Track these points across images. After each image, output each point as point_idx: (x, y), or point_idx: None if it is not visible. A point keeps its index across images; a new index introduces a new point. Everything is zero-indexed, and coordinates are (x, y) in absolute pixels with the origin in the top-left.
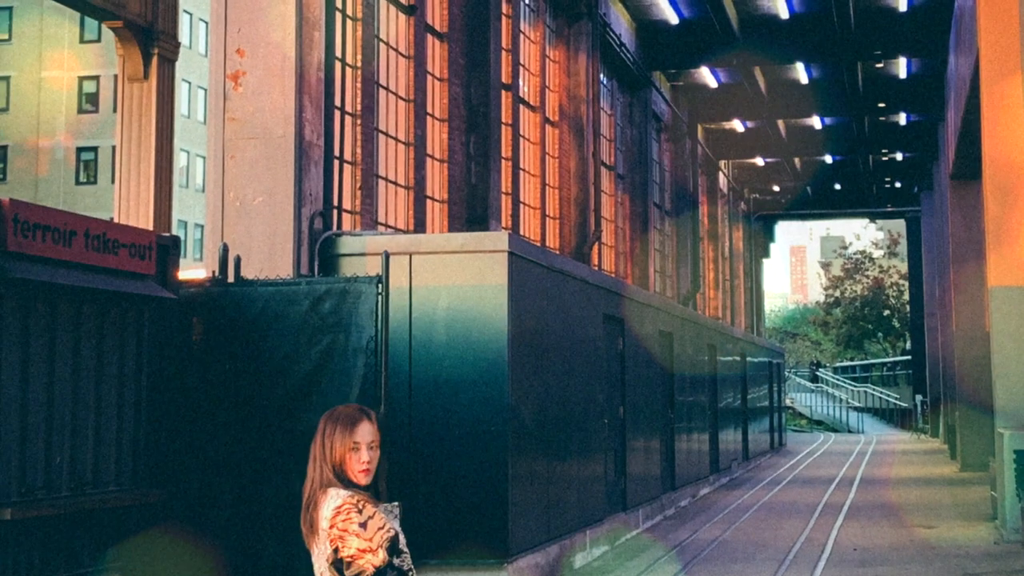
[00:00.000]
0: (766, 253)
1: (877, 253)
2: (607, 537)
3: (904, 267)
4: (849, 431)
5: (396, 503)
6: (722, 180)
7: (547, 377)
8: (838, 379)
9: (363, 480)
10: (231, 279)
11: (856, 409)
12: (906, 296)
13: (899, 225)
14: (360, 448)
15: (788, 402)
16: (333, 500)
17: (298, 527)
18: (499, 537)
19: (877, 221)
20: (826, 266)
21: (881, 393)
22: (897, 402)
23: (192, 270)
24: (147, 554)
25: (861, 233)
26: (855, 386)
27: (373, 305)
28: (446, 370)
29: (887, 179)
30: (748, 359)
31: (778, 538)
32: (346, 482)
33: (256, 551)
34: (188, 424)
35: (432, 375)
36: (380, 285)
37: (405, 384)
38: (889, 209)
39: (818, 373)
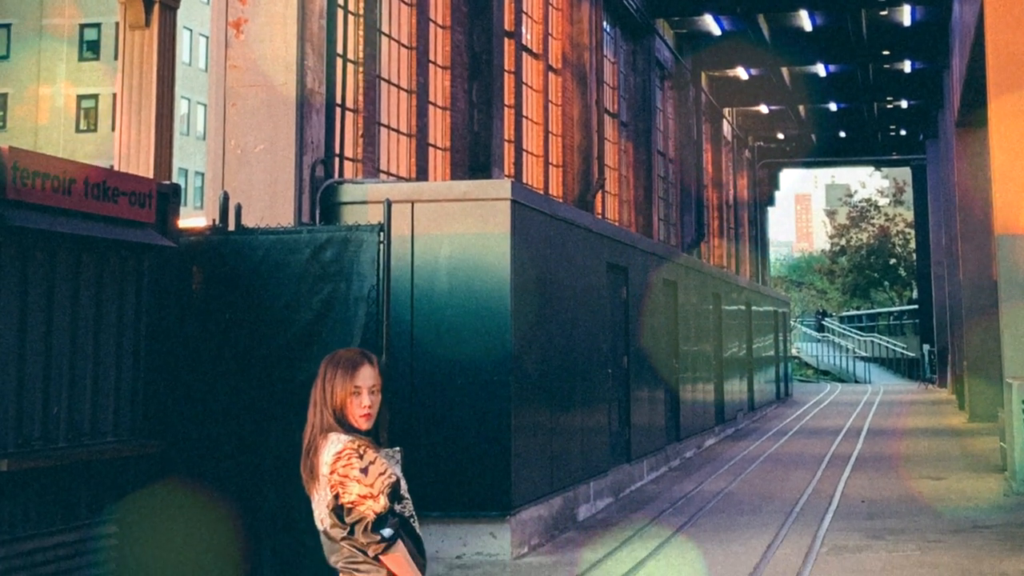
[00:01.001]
0: (771, 201)
1: (883, 201)
2: (611, 489)
3: (910, 215)
4: (856, 381)
5: (397, 448)
6: (726, 128)
7: (550, 326)
8: (844, 328)
9: (364, 425)
10: (232, 227)
11: (863, 359)
12: (912, 245)
13: (904, 173)
14: (361, 392)
15: (794, 352)
16: (334, 445)
17: (298, 478)
18: (501, 489)
19: (882, 169)
20: (831, 214)
21: (888, 343)
22: (904, 352)
23: (192, 218)
24: (146, 505)
25: (866, 181)
26: (862, 336)
27: (375, 254)
28: (448, 319)
29: (892, 127)
30: (753, 308)
31: (784, 490)
32: (347, 427)
33: (256, 502)
34: (188, 374)
35: (434, 324)
36: (382, 233)
37: (407, 333)
38: (894, 157)
39: (824, 322)
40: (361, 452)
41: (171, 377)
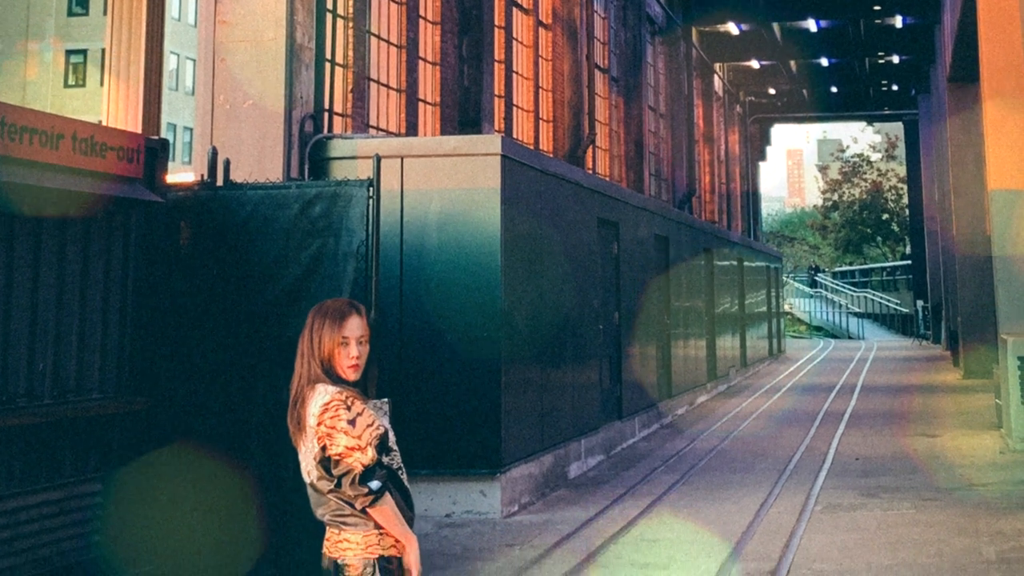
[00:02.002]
0: (762, 156)
1: (875, 156)
2: (602, 446)
3: (902, 170)
4: (849, 337)
5: (386, 399)
6: (717, 83)
7: (541, 282)
8: (837, 284)
9: (352, 376)
10: (220, 183)
11: (856, 315)
12: (905, 200)
13: (897, 128)
14: (349, 343)
15: (787, 308)
16: (321, 396)
17: (286, 435)
18: (491, 446)
19: (875, 124)
20: (823, 169)
21: (881, 298)
22: (898, 308)
23: (181, 174)
24: (131, 463)
25: (859, 136)
26: (855, 291)
27: (364, 209)
28: (437, 275)
29: (884, 82)
30: (745, 264)
31: (778, 447)
32: (335, 378)
33: (243, 459)
34: (174, 330)
35: (423, 280)
36: (371, 189)
37: (396, 289)
38: (886, 112)
39: (817, 278)
40: (349, 403)
41: (158, 333)
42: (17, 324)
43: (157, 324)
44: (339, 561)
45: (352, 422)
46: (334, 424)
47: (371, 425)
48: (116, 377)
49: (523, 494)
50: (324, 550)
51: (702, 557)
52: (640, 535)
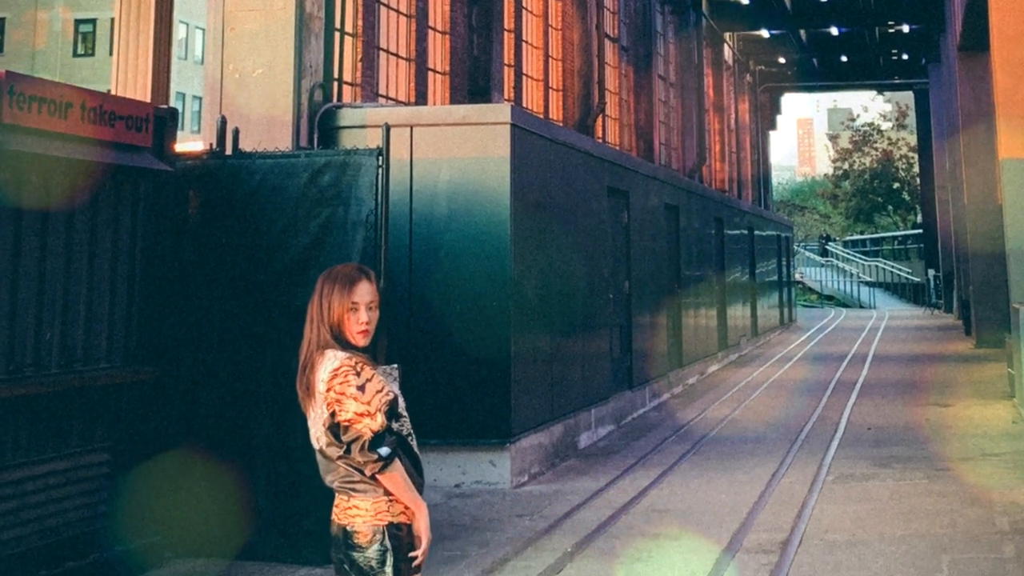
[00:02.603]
0: (772, 125)
1: (885, 125)
2: (613, 416)
3: (913, 139)
4: (861, 306)
5: (395, 365)
6: (727, 52)
7: (550, 251)
8: (848, 253)
9: (361, 341)
10: (229, 152)
11: (867, 284)
12: (916, 169)
13: (907, 97)
14: (359, 308)
15: (798, 277)
16: (330, 362)
17: (294, 405)
18: (501, 416)
19: (885, 93)
20: (834, 138)
21: (893, 267)
22: (909, 276)
23: (190, 143)
24: (138, 433)
25: (869, 105)
26: (866, 260)
27: (373, 178)
28: (447, 244)
29: (894, 51)
30: (756, 232)
31: (789, 417)
32: (344, 343)
33: (251, 429)
34: (182, 300)
35: (433, 249)
36: (380, 158)
37: (405, 258)
38: (896, 81)
39: (828, 247)
40: (358, 369)
41: (166, 303)
42: (25, 294)
43: (165, 293)
44: (348, 528)
45: (362, 388)
46: (343, 390)
47: (381, 391)
48: (124, 346)
49: (533, 464)
50: (333, 516)
51: (713, 528)
52: (651, 505)
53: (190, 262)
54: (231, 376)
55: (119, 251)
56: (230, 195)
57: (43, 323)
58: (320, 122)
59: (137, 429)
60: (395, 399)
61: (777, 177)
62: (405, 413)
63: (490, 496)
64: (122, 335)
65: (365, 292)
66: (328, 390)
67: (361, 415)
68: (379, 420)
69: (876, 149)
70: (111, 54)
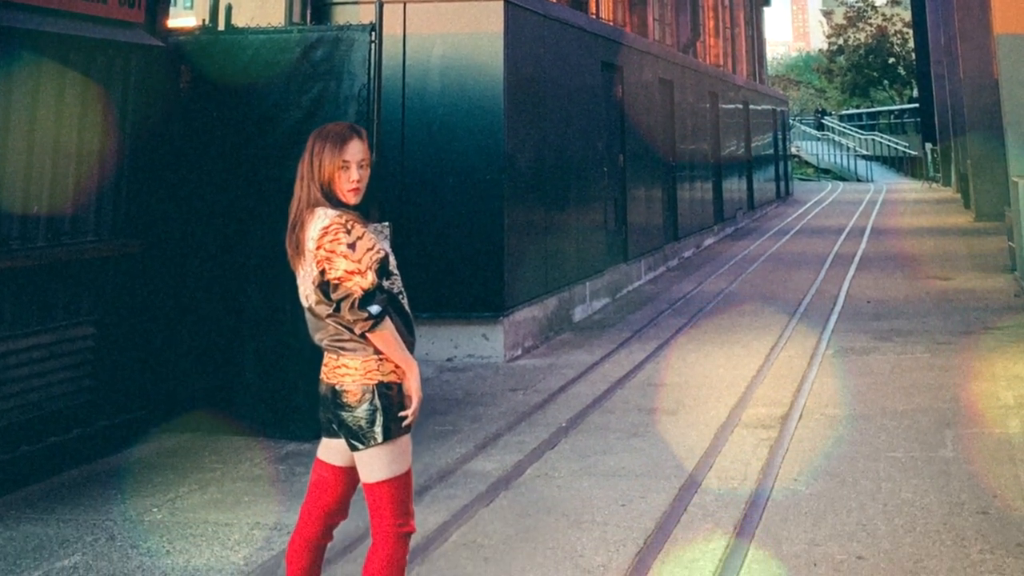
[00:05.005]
0: (767, 1)
1: (879, 1)
2: (608, 289)
3: (907, 16)
4: (858, 180)
5: (386, 223)
6: None
7: (544, 125)
8: (845, 127)
9: (352, 199)
10: (222, 27)
11: (864, 157)
12: (911, 44)
13: None
14: (350, 166)
15: (794, 151)
16: (320, 220)
17: (283, 279)
18: (494, 289)
19: None
20: (828, 14)
21: (890, 141)
22: (907, 150)
23: (183, 19)
24: (125, 307)
25: None
26: (862, 134)
27: (366, 53)
28: (440, 118)
29: None
30: (751, 107)
31: (788, 290)
32: (335, 202)
33: (239, 303)
34: (172, 173)
35: (425, 124)
36: (373, 33)
37: (397, 132)
38: None
39: (824, 121)
40: (349, 227)
41: (155, 177)
42: (13, 167)
43: (155, 167)
44: (337, 387)
45: (352, 246)
46: (333, 248)
47: (371, 249)
48: (112, 220)
49: (526, 338)
50: (322, 376)
51: (711, 402)
52: (646, 379)
53: (180, 136)
54: (220, 250)
55: (109, 125)
56: (222, 70)
57: (31, 196)
58: None
59: (124, 303)
60: (386, 257)
61: (772, 52)
62: (396, 271)
63: (483, 370)
64: (110, 208)
65: (356, 150)
66: (318, 248)
67: (351, 273)
68: (369, 278)
69: (871, 25)
70: None
